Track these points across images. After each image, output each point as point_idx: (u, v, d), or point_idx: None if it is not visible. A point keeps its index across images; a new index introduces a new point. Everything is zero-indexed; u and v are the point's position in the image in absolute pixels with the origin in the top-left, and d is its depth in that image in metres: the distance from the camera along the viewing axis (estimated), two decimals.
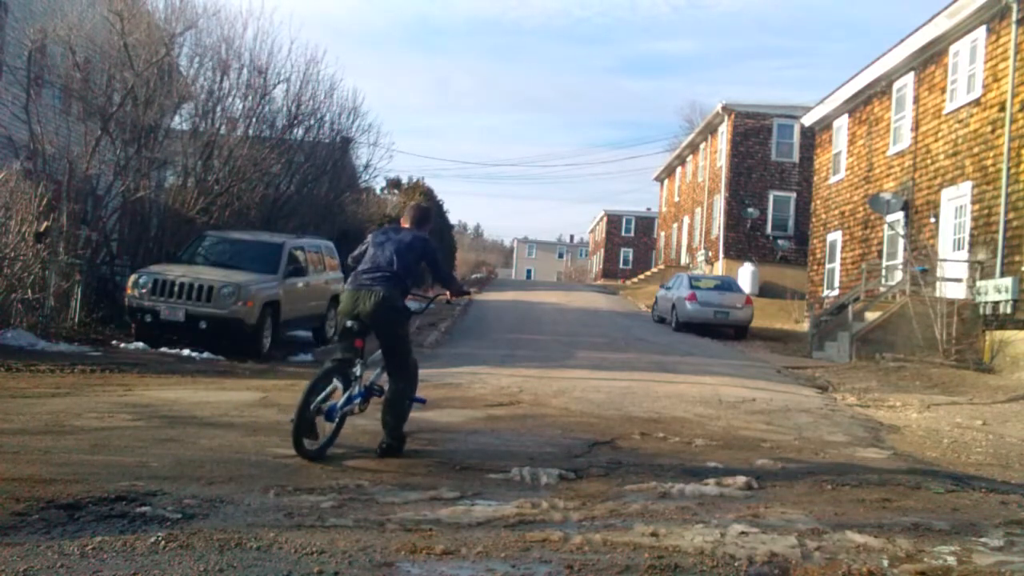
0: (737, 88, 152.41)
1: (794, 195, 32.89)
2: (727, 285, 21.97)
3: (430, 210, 6.65)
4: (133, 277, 12.23)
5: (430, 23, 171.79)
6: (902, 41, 18.49)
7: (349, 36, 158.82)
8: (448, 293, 6.55)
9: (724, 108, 33.30)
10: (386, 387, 6.05)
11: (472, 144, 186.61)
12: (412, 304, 6.61)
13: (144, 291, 11.85)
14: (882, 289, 17.74)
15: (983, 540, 4.36)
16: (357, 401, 5.83)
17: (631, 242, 69.84)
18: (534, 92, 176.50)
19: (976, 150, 15.69)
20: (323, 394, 5.62)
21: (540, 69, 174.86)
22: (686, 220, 41.13)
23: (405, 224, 6.25)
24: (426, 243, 6.10)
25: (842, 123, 22.82)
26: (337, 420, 5.71)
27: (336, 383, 5.74)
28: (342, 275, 16.07)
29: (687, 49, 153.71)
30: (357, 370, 5.81)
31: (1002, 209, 14.49)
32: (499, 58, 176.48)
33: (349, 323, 5.79)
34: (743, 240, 33.06)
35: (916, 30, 17.81)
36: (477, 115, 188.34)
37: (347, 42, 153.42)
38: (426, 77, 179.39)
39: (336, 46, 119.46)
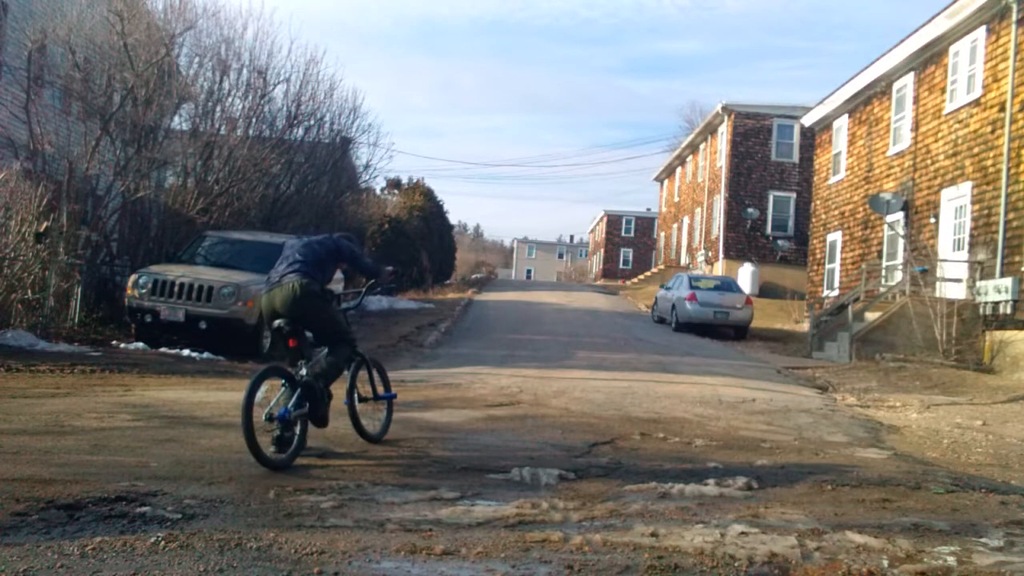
0: (743, 89, 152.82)
1: (794, 195, 32.90)
2: (727, 285, 21.98)
3: (349, 235, 6.54)
4: (133, 277, 12.23)
5: (436, 23, 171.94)
6: (902, 41, 18.49)
7: (355, 36, 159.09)
8: (379, 280, 6.41)
9: (724, 108, 33.31)
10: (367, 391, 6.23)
11: (476, 144, 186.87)
12: (346, 303, 6.60)
13: (144, 291, 11.85)
14: (882, 289, 17.74)
15: (983, 540, 4.36)
16: (306, 406, 5.55)
17: (631, 242, 69.84)
18: (539, 93, 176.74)
19: (976, 150, 15.69)
20: (263, 398, 5.34)
21: (546, 70, 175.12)
22: (686, 220, 41.13)
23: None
24: (335, 239, 6.11)
25: (842, 123, 22.82)
26: (297, 424, 5.42)
27: (279, 385, 5.52)
28: (342, 275, 16.06)
29: (693, 50, 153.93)
30: (303, 371, 5.66)
31: (1002, 209, 14.49)
32: (504, 59, 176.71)
33: (276, 323, 5.66)
34: (743, 240, 33.06)
35: (916, 30, 17.82)
36: (481, 115, 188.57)
37: (352, 42, 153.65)
38: (431, 77, 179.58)
39: (341, 46, 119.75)
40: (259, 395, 5.25)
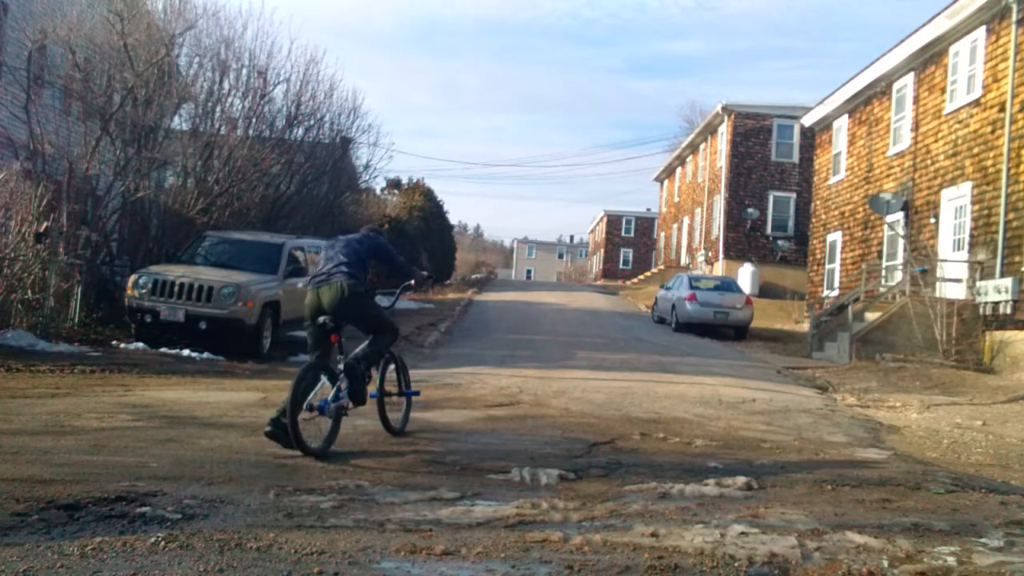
0: (744, 89, 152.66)
1: (794, 195, 32.90)
2: (727, 285, 21.98)
3: (379, 229, 7.14)
4: (133, 277, 12.23)
5: (438, 24, 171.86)
6: (902, 42, 18.49)
7: (357, 37, 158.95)
8: (413, 282, 6.76)
9: (724, 108, 33.31)
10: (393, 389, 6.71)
11: (477, 145, 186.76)
12: (383, 300, 6.95)
13: (144, 291, 11.85)
14: (882, 289, 17.74)
15: (983, 540, 4.36)
16: (345, 396, 5.98)
17: (631, 242, 69.85)
18: (541, 93, 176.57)
19: (976, 150, 15.70)
20: (313, 391, 5.75)
21: (548, 70, 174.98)
22: (686, 220, 41.13)
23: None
24: (373, 239, 6.51)
25: (842, 123, 22.82)
26: (333, 416, 5.85)
27: (323, 379, 5.89)
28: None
29: (696, 50, 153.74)
30: (341, 365, 6.05)
31: (1002, 209, 14.49)
32: (506, 59, 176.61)
33: (321, 320, 6.00)
34: (743, 240, 33.06)
35: (916, 30, 17.81)
36: (482, 115, 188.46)
37: (354, 43, 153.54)
38: (433, 78, 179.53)
39: (343, 47, 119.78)
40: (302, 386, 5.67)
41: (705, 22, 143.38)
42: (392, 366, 6.78)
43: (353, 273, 6.08)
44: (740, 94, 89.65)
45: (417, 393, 7.03)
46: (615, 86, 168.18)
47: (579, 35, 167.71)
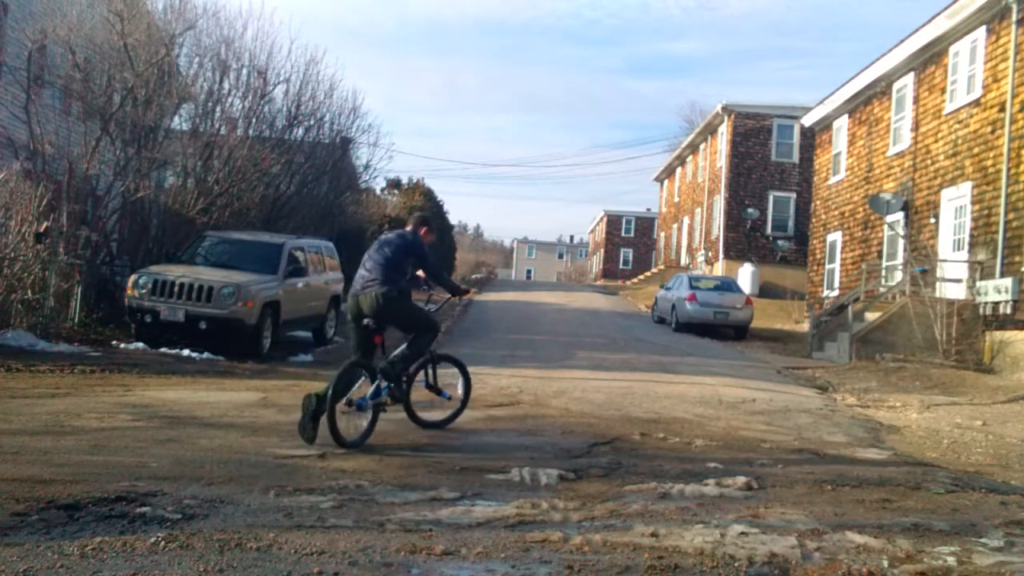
0: (745, 89, 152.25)
1: (794, 195, 32.89)
2: (727, 286, 21.97)
3: (428, 217, 7.42)
4: (133, 277, 12.23)
5: (440, 24, 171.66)
6: (902, 42, 18.49)
7: (358, 37, 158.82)
8: (451, 296, 7.35)
9: (724, 108, 33.30)
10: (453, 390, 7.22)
11: (478, 145, 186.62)
12: (428, 306, 7.33)
13: (144, 291, 11.85)
14: (882, 289, 17.73)
15: (983, 540, 4.36)
16: (385, 393, 6.35)
17: (631, 242, 69.84)
18: (542, 93, 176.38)
19: (976, 151, 15.69)
20: (354, 388, 6.18)
21: (549, 70, 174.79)
22: (686, 221, 41.13)
23: (409, 227, 7.03)
24: (409, 240, 6.77)
25: (842, 123, 22.82)
26: (371, 412, 6.24)
27: (363, 377, 6.29)
28: (342, 276, 16.07)
29: (697, 50, 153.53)
30: (383, 363, 6.44)
31: (1002, 209, 14.49)
32: (508, 59, 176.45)
33: (365, 322, 6.46)
34: (743, 240, 33.06)
35: (916, 31, 17.81)
36: (483, 115, 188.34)
37: (356, 42, 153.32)
38: (435, 78, 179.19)
39: (345, 47, 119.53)
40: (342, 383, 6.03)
41: (706, 22, 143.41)
42: (430, 367, 7.10)
43: (385, 279, 6.43)
44: (740, 94, 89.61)
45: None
46: (615, 86, 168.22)
47: (580, 35, 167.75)
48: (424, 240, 6.90)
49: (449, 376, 7.40)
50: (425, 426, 6.99)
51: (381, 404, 6.33)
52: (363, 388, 6.25)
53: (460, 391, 7.35)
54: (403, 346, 6.66)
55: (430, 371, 7.08)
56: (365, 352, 6.53)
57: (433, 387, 7.08)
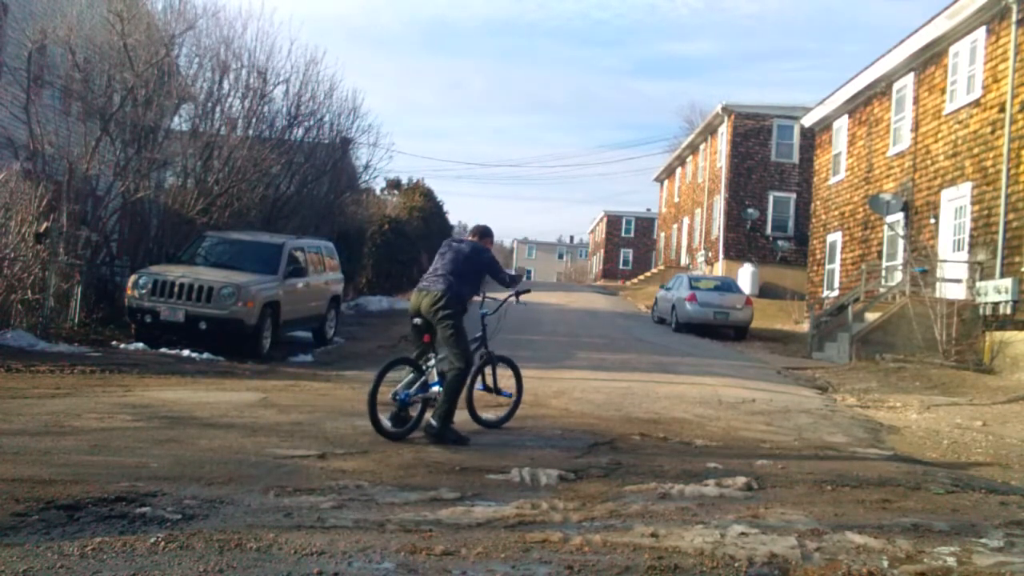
0: (750, 90, 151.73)
1: (794, 196, 32.90)
2: (727, 286, 21.97)
3: (489, 228, 7.41)
4: (133, 278, 12.23)
5: (446, 25, 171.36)
6: (902, 42, 18.49)
7: (364, 38, 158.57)
8: (516, 296, 7.62)
9: (724, 109, 33.30)
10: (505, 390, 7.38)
11: (482, 145, 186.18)
12: (484, 310, 7.38)
13: (144, 292, 11.84)
14: (882, 290, 17.73)
15: (983, 541, 4.36)
16: (434, 389, 6.55)
17: (631, 243, 69.84)
18: (548, 94, 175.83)
19: (976, 151, 15.69)
20: (403, 382, 6.47)
21: (555, 71, 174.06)
22: (686, 221, 41.13)
23: (471, 238, 7.23)
24: (481, 252, 6.94)
25: (842, 124, 22.82)
26: (419, 406, 6.51)
27: (409, 372, 6.56)
28: (342, 276, 16.07)
29: (704, 51, 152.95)
30: (431, 362, 6.63)
31: (1002, 210, 14.49)
32: (514, 60, 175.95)
33: (416, 320, 6.65)
34: (743, 241, 33.06)
35: (916, 31, 17.81)
36: (488, 116, 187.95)
37: (362, 43, 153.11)
38: (440, 78, 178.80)
39: (351, 47, 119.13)
40: (388, 376, 6.36)
41: (713, 23, 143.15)
42: (488, 367, 7.35)
43: (449, 285, 6.56)
44: (744, 95, 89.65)
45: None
46: (619, 87, 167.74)
47: (587, 36, 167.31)
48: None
49: (505, 377, 7.55)
50: (488, 426, 7.27)
51: (430, 400, 6.55)
52: (406, 385, 6.52)
53: (514, 389, 7.59)
54: (440, 389, 6.55)
55: (488, 372, 7.34)
56: (422, 353, 6.72)
57: (493, 388, 7.36)
